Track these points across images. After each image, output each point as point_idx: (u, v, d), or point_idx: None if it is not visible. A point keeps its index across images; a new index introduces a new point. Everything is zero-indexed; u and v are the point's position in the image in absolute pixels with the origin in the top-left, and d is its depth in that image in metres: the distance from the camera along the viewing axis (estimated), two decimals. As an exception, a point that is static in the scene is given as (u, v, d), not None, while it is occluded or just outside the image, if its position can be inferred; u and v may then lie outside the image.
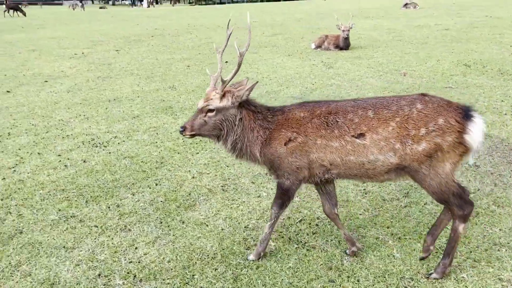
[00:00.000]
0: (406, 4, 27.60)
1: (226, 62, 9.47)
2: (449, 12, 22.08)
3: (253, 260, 3.13)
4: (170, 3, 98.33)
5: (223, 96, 2.81)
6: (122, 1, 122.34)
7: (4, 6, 37.36)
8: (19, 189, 4.36)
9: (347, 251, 3.16)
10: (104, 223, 3.72)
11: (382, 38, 14.12)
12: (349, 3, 41.66)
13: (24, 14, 34.97)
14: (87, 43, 15.76)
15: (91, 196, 4.19)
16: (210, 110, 2.81)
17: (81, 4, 53.21)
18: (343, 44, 11.76)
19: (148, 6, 64.96)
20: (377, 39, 13.83)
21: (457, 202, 2.58)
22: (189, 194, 4.21)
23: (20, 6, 36.73)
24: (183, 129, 2.83)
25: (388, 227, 3.51)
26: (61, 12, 48.35)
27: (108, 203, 4.05)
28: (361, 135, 2.58)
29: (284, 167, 2.80)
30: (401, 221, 3.60)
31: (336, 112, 2.69)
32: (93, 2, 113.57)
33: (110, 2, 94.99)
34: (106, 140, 5.67)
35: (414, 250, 3.20)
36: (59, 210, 3.94)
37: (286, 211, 3.77)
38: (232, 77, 2.82)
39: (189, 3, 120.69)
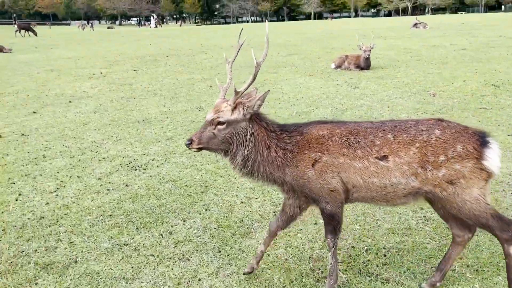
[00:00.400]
0: (415, 24, 27.81)
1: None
2: (461, 32, 22.19)
3: (327, 295, 2.99)
4: (176, 23, 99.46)
5: (234, 108, 2.69)
6: (128, 21, 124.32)
7: (15, 26, 37.90)
8: (65, 214, 4.22)
9: (245, 270, 3.17)
10: (160, 251, 3.57)
11: (400, 58, 14.12)
12: (356, 24, 42.12)
13: (36, 34, 35.41)
14: (104, 63, 15.83)
15: (140, 223, 4.05)
16: (221, 123, 2.67)
17: (90, 24, 53.87)
18: (364, 64, 11.74)
19: (156, 26, 65.88)
20: (396, 59, 13.82)
21: (497, 225, 2.53)
22: (242, 220, 4.07)
23: (31, 26, 37.16)
24: (189, 142, 2.69)
25: (460, 258, 3.34)
26: (70, 32, 49.11)
27: (160, 230, 3.90)
28: (385, 157, 2.56)
29: (317, 190, 2.71)
30: (472, 251, 3.43)
31: (357, 132, 2.66)
32: (99, 22, 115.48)
33: (117, 22, 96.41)
34: (144, 163, 5.55)
35: (496, 284, 3.03)
36: (111, 237, 3.80)
37: (349, 239, 3.63)
38: (246, 88, 2.71)
39: (195, 23, 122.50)
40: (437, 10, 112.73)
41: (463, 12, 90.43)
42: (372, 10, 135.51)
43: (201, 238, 3.77)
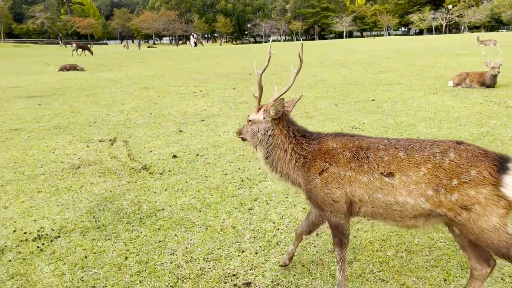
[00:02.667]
0: (482, 41, 26.98)
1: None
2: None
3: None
4: (212, 42, 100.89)
5: (258, 110, 3.08)
6: (161, 41, 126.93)
7: (73, 45, 38.82)
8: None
9: (281, 261, 3.41)
10: None
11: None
12: (404, 42, 41.49)
13: (92, 53, 36.15)
14: (193, 81, 15.67)
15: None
16: (249, 121, 3.14)
17: (138, 43, 54.94)
18: (491, 82, 11.11)
19: (195, 45, 66.73)
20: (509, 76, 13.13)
21: None
22: None
23: (88, 45, 37.98)
24: (237, 132, 3.28)
25: None
26: (119, 51, 49.99)
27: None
28: (390, 174, 2.55)
29: (320, 200, 2.82)
30: None
31: (368, 148, 2.69)
32: (133, 42, 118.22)
33: (150, 41, 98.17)
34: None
35: None
36: None
37: None
38: (260, 95, 3.14)
39: (225, 42, 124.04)
40: (471, 28, 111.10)
41: (503, 30, 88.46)
42: (403, 29, 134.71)
43: None
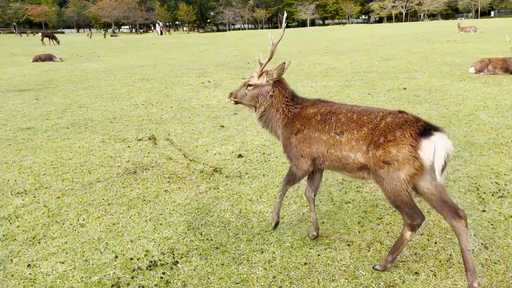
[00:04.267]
0: (463, 28, 27.47)
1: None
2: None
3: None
4: (174, 31, 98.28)
5: (260, 75, 3.44)
6: (120, 30, 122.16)
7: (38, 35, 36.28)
8: None
9: (309, 234, 3.61)
10: None
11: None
12: (381, 29, 41.97)
13: (58, 42, 34.05)
14: (193, 72, 14.79)
15: None
16: (250, 85, 3.45)
17: (103, 32, 52.60)
18: (514, 68, 11.02)
19: (161, 34, 64.55)
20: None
21: (407, 211, 2.79)
22: None
23: (55, 34, 35.63)
24: (230, 95, 3.55)
25: None
26: (85, 40, 47.50)
27: None
28: (341, 133, 2.95)
29: (292, 154, 3.29)
30: None
31: (334, 112, 3.08)
32: (90, 30, 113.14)
33: (109, 30, 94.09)
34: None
35: None
36: None
37: None
38: (267, 62, 3.45)
39: (187, 30, 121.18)
40: (429, 16, 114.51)
41: (462, 18, 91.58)
42: (363, 17, 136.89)
43: None
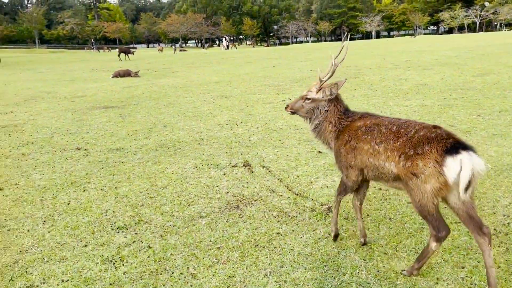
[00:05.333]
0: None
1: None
2: None
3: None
4: (238, 45, 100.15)
5: (319, 91, 3.67)
6: (187, 44, 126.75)
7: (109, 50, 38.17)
8: None
9: (361, 239, 3.78)
10: None
11: None
12: (454, 40, 39.48)
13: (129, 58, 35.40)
14: (267, 88, 14.35)
15: None
16: (308, 99, 3.71)
17: (174, 47, 54.54)
18: None
19: (227, 48, 65.71)
20: None
21: (433, 223, 2.94)
22: None
23: (131, 50, 37.27)
24: (286, 106, 3.87)
25: None
26: (152, 55, 49.37)
27: None
28: (380, 143, 3.13)
29: (342, 164, 3.52)
30: None
31: (378, 124, 3.25)
32: (159, 45, 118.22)
33: (177, 45, 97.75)
34: None
35: None
36: None
37: None
38: (327, 80, 3.64)
39: (249, 44, 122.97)
40: (506, 25, 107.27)
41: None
42: (432, 28, 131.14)
43: None
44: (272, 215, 4.56)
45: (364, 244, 3.76)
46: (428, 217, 2.94)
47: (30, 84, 18.89)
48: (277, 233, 4.15)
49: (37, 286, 3.40)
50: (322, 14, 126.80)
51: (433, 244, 3.01)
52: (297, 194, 5.08)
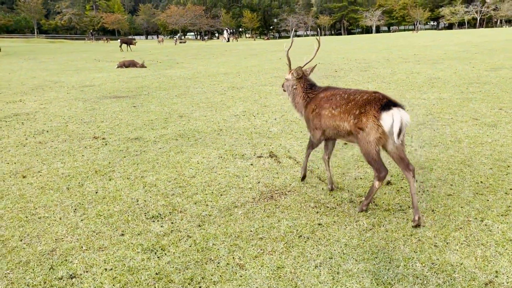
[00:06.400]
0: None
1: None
2: None
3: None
4: (237, 38, 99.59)
5: (290, 73, 4.78)
6: (186, 36, 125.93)
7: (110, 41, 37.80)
8: None
9: (329, 186, 4.76)
10: None
11: None
12: (458, 35, 39.33)
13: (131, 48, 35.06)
14: (276, 80, 14.16)
15: None
16: (286, 79, 4.86)
17: (175, 38, 54.02)
18: None
19: (228, 40, 65.29)
20: None
21: (376, 166, 3.76)
22: None
23: (132, 41, 36.92)
24: (282, 85, 5.00)
25: None
26: (153, 46, 48.93)
27: None
28: (335, 108, 4.01)
29: (310, 127, 4.50)
30: None
31: (336, 94, 4.13)
32: (158, 37, 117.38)
33: (175, 37, 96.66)
34: None
35: None
36: None
37: None
38: (290, 65, 4.96)
39: (250, 37, 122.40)
40: (507, 21, 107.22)
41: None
42: (432, 23, 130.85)
43: None
44: (309, 206, 4.45)
45: (332, 189, 4.71)
46: (372, 162, 3.75)
47: (35, 74, 18.65)
48: (319, 224, 4.04)
49: (80, 274, 3.29)
50: (322, 8, 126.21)
51: (376, 183, 3.86)
52: (336, 188, 4.95)
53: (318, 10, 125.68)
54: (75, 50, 41.98)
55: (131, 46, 35.34)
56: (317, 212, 4.29)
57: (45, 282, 3.20)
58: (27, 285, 3.18)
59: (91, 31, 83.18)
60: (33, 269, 3.38)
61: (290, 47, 4.87)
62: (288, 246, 3.65)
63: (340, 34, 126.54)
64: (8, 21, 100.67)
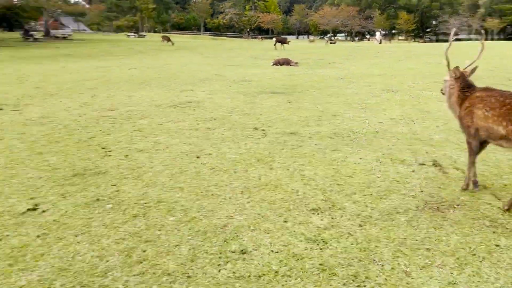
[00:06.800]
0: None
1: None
2: None
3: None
4: (389, 40, 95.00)
5: (448, 73, 4.73)
6: (335, 37, 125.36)
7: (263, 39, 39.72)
8: None
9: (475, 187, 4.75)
10: None
11: None
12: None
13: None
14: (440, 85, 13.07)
15: None
16: (444, 80, 4.94)
17: (326, 38, 54.39)
18: None
19: (380, 42, 63.02)
20: None
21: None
22: None
23: (287, 40, 38.27)
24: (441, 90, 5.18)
25: None
26: (303, 46, 49.94)
27: None
28: (489, 110, 4.03)
29: (462, 126, 4.54)
30: None
31: (492, 95, 4.11)
32: (308, 37, 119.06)
33: (325, 37, 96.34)
34: None
35: None
36: None
37: None
38: (448, 65, 4.77)
39: (403, 39, 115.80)
40: None
41: None
42: None
43: None
44: (484, 224, 4.03)
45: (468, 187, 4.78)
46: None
47: (201, 68, 20.74)
48: (496, 245, 3.64)
49: (250, 252, 3.55)
50: (492, 10, 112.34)
51: None
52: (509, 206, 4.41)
53: (486, 12, 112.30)
54: (233, 46, 45.42)
55: (284, 45, 36.67)
56: (494, 232, 3.87)
57: (220, 253, 3.54)
58: (206, 252, 3.56)
59: (248, 29, 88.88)
60: (210, 239, 3.77)
61: (449, 47, 4.73)
62: (460, 262, 3.38)
63: (510, 39, 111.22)
64: (180, 19, 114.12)
